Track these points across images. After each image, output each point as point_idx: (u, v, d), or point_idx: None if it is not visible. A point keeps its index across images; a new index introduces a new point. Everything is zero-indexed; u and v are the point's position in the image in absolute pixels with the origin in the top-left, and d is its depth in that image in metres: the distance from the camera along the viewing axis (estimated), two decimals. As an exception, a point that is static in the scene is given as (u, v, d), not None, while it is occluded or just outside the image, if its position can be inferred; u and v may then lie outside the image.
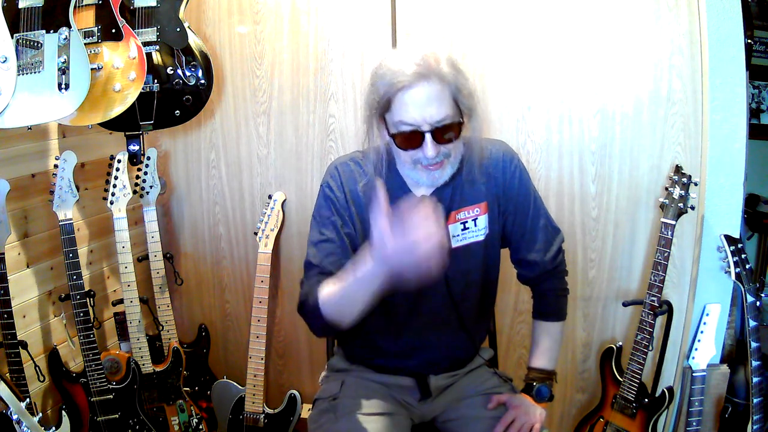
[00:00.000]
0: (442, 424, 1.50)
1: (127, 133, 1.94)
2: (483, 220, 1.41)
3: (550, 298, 1.51)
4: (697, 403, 1.78)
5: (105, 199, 2.00)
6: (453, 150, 1.29)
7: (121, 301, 2.06)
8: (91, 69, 1.59)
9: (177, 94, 1.90)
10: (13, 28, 1.51)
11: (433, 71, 1.21)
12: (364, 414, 1.36)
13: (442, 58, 1.25)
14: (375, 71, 1.28)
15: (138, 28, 1.82)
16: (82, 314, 1.84)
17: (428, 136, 1.23)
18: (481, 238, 1.41)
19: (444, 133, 1.24)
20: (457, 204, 1.38)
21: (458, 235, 1.40)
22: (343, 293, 1.17)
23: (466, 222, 1.39)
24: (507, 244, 1.49)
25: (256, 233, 2.12)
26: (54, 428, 1.61)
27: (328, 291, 1.21)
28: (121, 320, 2.08)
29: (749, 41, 2.30)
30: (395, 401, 1.48)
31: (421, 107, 1.21)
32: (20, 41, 1.52)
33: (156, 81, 1.86)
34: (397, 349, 1.46)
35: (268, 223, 2.10)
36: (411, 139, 1.25)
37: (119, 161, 1.99)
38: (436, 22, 1.93)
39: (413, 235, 1.01)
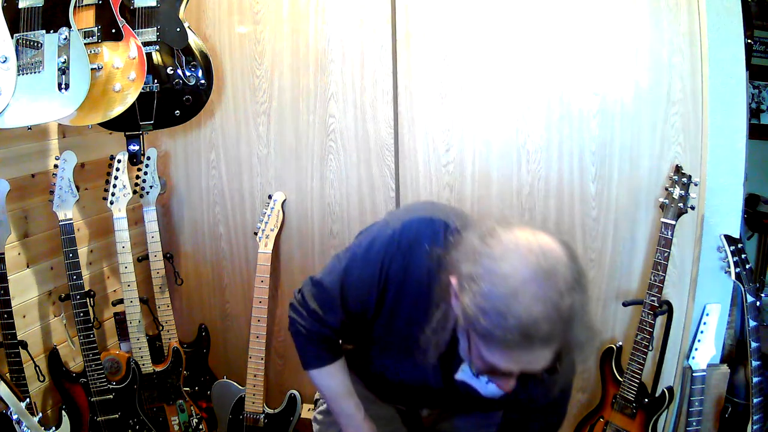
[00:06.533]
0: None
1: (127, 133, 1.94)
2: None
3: None
4: (697, 403, 1.78)
5: (105, 199, 2.00)
6: None
7: (121, 301, 2.06)
8: (91, 69, 1.59)
9: (177, 94, 1.90)
10: (13, 28, 1.51)
11: (562, 337, 0.94)
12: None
13: (578, 315, 0.94)
14: (492, 290, 0.92)
15: (138, 28, 1.82)
16: (82, 314, 1.84)
17: (513, 379, 1.03)
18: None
19: (531, 376, 1.02)
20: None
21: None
22: (323, 393, 1.40)
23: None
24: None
25: (256, 233, 2.12)
26: (54, 428, 1.61)
27: (319, 377, 1.38)
28: (121, 320, 2.08)
29: (749, 41, 2.30)
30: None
31: (525, 365, 0.97)
32: (20, 41, 1.52)
33: (156, 81, 1.86)
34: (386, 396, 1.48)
35: (268, 223, 2.10)
36: (494, 374, 1.04)
37: (119, 161, 1.99)
38: (435, 22, 1.93)
39: None
